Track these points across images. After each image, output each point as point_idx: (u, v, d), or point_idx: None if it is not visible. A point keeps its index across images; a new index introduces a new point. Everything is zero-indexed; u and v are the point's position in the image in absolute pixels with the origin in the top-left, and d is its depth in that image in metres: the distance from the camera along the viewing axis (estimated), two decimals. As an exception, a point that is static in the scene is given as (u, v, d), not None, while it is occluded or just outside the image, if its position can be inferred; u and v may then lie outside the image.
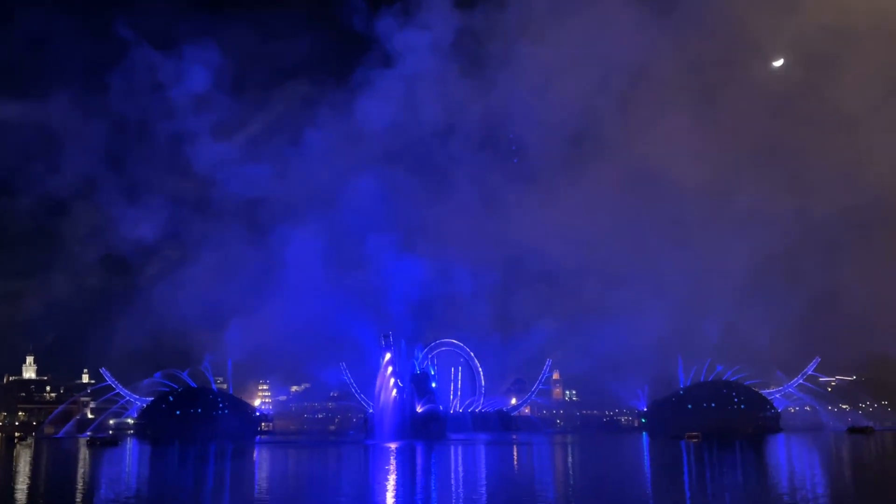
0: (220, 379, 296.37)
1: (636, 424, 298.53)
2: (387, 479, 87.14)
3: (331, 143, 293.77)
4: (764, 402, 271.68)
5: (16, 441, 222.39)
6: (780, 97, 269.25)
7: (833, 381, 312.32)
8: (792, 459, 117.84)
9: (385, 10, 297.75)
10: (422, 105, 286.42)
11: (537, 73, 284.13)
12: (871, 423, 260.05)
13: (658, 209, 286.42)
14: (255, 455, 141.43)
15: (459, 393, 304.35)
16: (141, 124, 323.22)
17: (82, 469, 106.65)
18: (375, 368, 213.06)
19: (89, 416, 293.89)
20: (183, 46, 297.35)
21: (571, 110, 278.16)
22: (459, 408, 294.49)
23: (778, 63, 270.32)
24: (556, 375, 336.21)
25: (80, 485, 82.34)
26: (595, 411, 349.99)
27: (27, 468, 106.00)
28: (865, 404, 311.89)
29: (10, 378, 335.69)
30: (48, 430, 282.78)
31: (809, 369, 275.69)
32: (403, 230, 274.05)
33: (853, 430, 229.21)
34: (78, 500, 67.90)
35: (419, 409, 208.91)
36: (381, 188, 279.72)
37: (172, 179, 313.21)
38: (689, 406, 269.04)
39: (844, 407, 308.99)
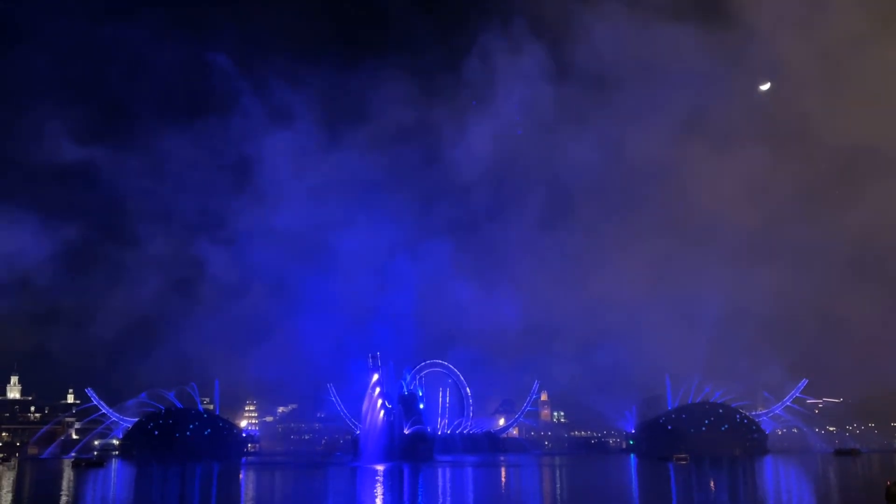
0: (207, 399, 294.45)
1: (624, 446, 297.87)
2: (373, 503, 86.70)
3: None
4: (752, 424, 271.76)
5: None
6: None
7: (820, 403, 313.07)
8: (779, 482, 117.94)
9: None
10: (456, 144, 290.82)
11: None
12: (857, 446, 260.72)
13: (656, 238, 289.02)
14: (241, 477, 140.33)
15: (447, 414, 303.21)
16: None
17: (66, 491, 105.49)
18: (363, 389, 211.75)
19: (74, 436, 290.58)
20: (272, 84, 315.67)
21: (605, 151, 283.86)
22: (447, 429, 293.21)
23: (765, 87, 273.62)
24: (544, 397, 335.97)
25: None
26: (583, 432, 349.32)
27: (10, 490, 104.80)
28: (852, 426, 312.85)
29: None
30: (32, 450, 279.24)
31: (797, 391, 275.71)
32: (396, 251, 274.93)
33: (840, 453, 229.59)
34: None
35: (407, 431, 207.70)
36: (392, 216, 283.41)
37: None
38: (677, 428, 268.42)
39: (831, 429, 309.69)
